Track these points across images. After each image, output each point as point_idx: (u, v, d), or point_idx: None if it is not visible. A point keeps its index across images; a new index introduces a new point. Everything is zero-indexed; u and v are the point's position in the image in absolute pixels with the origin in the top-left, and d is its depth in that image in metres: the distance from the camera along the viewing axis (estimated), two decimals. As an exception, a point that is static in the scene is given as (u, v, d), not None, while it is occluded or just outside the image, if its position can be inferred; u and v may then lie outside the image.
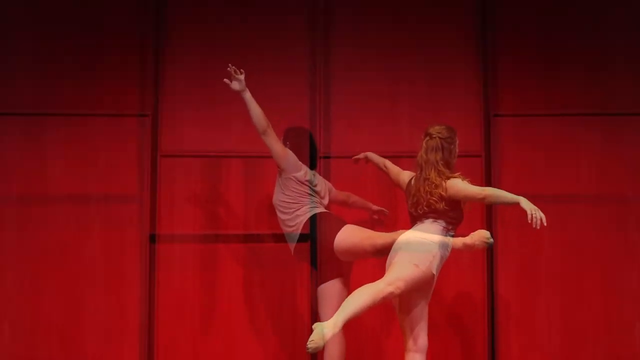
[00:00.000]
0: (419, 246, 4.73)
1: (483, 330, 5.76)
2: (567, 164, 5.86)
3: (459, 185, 4.79)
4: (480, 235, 4.75)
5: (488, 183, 5.72)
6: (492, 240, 4.74)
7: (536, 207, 4.51)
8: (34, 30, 5.90)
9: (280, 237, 5.35)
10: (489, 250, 5.75)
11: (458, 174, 4.86)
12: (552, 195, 5.67)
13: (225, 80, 5.08)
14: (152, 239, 5.77)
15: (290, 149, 5.32)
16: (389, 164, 5.32)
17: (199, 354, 5.75)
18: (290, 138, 5.40)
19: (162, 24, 5.92)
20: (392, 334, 5.68)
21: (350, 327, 5.45)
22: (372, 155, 5.46)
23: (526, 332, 5.75)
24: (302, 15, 5.97)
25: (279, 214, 5.30)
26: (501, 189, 4.99)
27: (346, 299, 4.62)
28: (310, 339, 4.46)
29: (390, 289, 4.60)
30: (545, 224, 4.49)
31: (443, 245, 4.77)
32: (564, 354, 5.72)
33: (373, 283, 4.67)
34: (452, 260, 5.55)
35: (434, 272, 4.71)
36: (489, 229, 5.75)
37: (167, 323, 5.74)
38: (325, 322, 4.54)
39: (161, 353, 5.72)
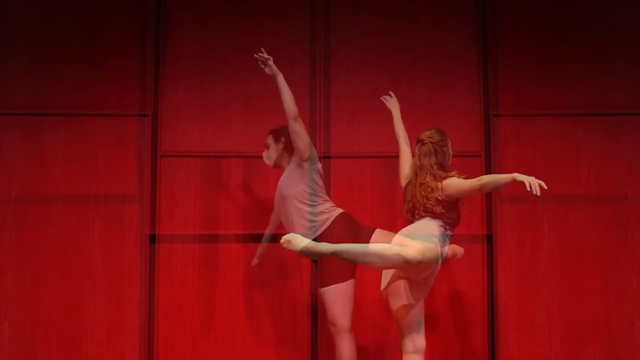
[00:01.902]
0: (423, 237, 4.73)
1: (483, 330, 5.76)
2: (567, 164, 5.86)
3: (455, 183, 4.78)
4: (459, 248, 5.19)
5: (487, 183, 5.71)
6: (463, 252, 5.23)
7: (532, 177, 4.50)
8: (34, 30, 5.90)
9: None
10: (489, 250, 5.76)
11: (454, 172, 4.85)
12: (552, 195, 5.67)
13: (260, 64, 5.09)
14: (152, 239, 5.77)
15: (285, 148, 5.29)
16: (403, 141, 5.22)
17: (199, 353, 5.75)
18: (286, 135, 5.31)
19: (162, 24, 5.92)
20: (392, 334, 5.68)
21: (352, 327, 5.46)
22: (396, 111, 5.34)
23: (526, 332, 5.75)
24: (302, 15, 5.97)
25: (299, 205, 5.12)
26: (500, 188, 5.00)
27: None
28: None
29: (401, 249, 4.55)
30: (546, 188, 4.45)
31: (441, 243, 4.77)
32: (563, 354, 5.73)
33: None
34: (452, 260, 5.56)
35: (439, 262, 4.70)
36: (488, 229, 5.77)
37: (167, 323, 5.74)
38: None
39: (161, 353, 5.73)
